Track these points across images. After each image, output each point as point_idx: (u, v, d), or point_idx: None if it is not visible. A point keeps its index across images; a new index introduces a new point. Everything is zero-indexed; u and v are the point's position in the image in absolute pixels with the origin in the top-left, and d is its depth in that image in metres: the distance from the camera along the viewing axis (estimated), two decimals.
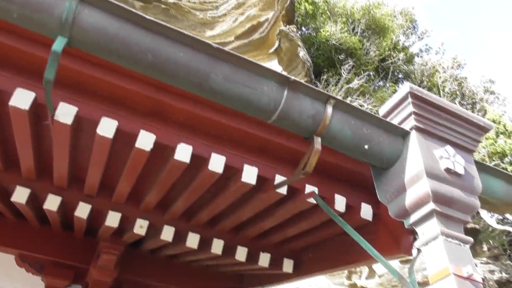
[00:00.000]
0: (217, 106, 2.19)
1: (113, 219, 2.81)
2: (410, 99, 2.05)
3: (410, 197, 1.98)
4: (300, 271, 3.34)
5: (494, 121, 10.80)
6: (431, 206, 1.90)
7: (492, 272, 11.28)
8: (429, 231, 1.89)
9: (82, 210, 2.74)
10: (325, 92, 1.96)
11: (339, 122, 1.97)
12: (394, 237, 2.59)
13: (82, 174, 2.59)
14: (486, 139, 10.56)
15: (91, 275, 3.31)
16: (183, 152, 2.16)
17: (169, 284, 3.85)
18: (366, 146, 1.98)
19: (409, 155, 2.03)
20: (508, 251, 13.79)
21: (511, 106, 16.45)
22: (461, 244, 1.88)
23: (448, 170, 1.97)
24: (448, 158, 2.01)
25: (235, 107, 1.88)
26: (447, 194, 1.93)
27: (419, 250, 2.33)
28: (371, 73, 14.79)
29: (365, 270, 10.27)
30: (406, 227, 2.04)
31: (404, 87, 2.08)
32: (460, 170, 2.00)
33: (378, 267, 9.79)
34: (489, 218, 11.44)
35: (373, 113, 2.06)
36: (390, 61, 14.22)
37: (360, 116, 2.03)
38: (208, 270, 4.09)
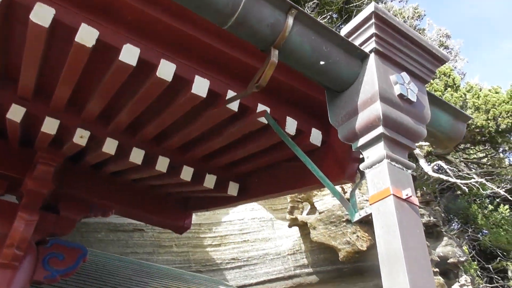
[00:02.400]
0: (170, 7, 2.00)
1: (50, 126, 2.62)
2: (373, 20, 1.97)
3: (361, 120, 1.96)
4: (245, 195, 3.36)
5: (444, 74, 11.14)
6: (380, 130, 1.90)
7: (422, 215, 12.17)
8: (375, 154, 1.90)
9: (16, 113, 2.52)
10: (288, 0, 1.83)
11: (298, 35, 1.86)
12: (340, 164, 2.62)
13: (15, 72, 2.35)
14: (435, 91, 10.91)
15: (26, 185, 3.15)
16: (130, 54, 1.99)
17: (110, 202, 3.77)
18: (322, 63, 1.90)
19: (366, 78, 1.99)
20: (438, 198, 14.88)
21: (461, 62, 16.96)
22: (404, 169, 1.91)
23: (401, 96, 1.96)
24: (403, 84, 1.99)
25: (189, 6, 1.72)
26: (397, 119, 1.93)
27: (362, 175, 2.37)
28: (334, 15, 14.57)
29: (307, 206, 10.72)
30: (353, 150, 2.04)
31: (369, 7, 1.99)
32: (413, 98, 1.99)
33: (319, 204, 10.24)
34: (426, 166, 12.13)
35: (335, 31, 1.97)
36: (354, 4, 14.02)
37: (321, 32, 1.93)
38: (153, 191, 4.04)
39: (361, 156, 2.51)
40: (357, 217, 1.97)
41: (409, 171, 1.94)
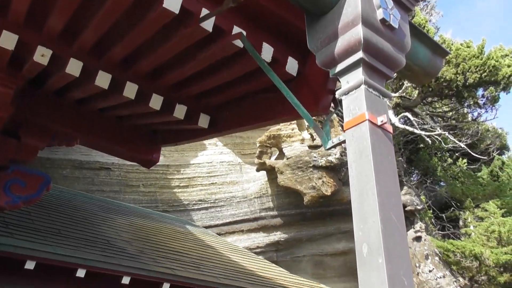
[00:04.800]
0: None
1: (8, 40, 2.42)
2: None
3: (340, 44, 1.90)
4: (216, 128, 3.28)
5: (419, 25, 11.11)
6: (359, 55, 1.84)
7: None
8: (353, 80, 1.86)
9: None
10: None
11: None
12: (315, 96, 2.58)
13: None
14: None
15: None
16: None
17: (74, 131, 3.61)
18: None
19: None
20: (402, 150, 15.34)
21: (436, 16, 17.00)
22: (380, 96, 1.89)
23: (383, 21, 1.89)
24: (386, 9, 1.91)
25: None
26: (377, 45, 1.87)
27: (336, 106, 2.35)
28: None
29: (275, 152, 10.83)
30: (331, 76, 1.99)
31: None
32: (395, 24, 1.93)
33: (287, 150, 10.35)
34: (394, 117, 12.37)
35: None
36: None
37: None
38: (120, 122, 3.90)
39: (336, 88, 2.47)
40: (330, 144, 1.95)
41: (385, 99, 1.91)
